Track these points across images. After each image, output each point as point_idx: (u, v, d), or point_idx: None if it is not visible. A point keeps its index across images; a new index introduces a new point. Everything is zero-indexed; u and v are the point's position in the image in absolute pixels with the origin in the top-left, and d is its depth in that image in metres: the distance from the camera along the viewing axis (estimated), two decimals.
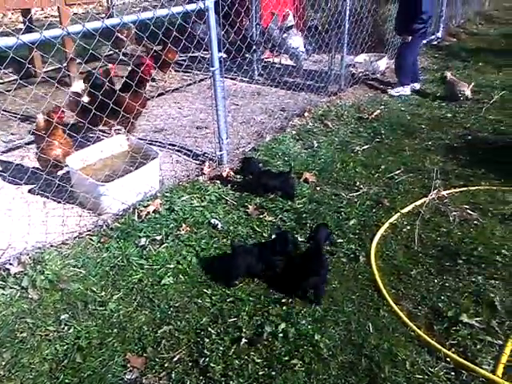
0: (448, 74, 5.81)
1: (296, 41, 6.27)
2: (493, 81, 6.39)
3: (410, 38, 5.62)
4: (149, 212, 3.44)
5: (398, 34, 6.09)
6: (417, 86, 6.02)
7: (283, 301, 2.71)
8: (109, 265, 3.01)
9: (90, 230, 3.34)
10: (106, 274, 2.94)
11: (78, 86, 4.57)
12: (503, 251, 3.08)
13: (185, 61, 6.07)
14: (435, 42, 8.12)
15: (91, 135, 4.29)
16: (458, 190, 3.79)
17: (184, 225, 3.34)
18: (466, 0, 9.58)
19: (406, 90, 5.86)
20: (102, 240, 3.22)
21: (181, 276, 2.93)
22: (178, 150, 4.40)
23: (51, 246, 3.15)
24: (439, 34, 8.30)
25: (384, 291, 2.77)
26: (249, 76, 6.38)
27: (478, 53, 7.65)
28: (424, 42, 7.71)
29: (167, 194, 3.65)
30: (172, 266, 3.00)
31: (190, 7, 3.70)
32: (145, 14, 3.41)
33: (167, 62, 5.73)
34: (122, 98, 3.84)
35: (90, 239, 3.23)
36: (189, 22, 4.65)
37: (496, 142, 4.60)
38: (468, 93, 5.62)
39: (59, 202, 3.60)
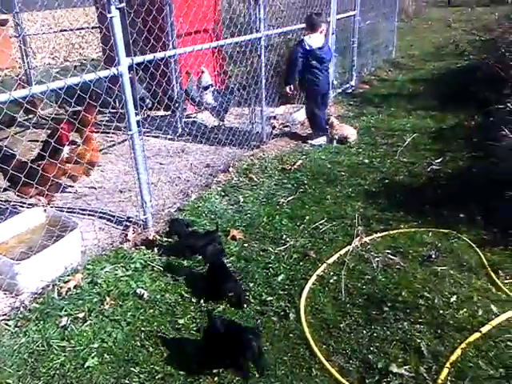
0: (332, 119, 6.19)
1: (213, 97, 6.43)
2: (404, 124, 6.79)
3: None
4: (70, 288, 3.26)
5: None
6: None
7: (214, 371, 2.62)
8: (27, 351, 2.80)
9: (5, 314, 3.11)
10: (23, 362, 2.73)
11: None
12: (425, 294, 3.18)
13: (103, 121, 6.02)
14: (350, 90, 8.56)
15: (5, 207, 4.09)
16: (379, 234, 3.92)
17: (108, 298, 3.19)
18: (374, 49, 10.27)
19: (323, 139, 6.09)
20: (19, 324, 3.00)
21: (106, 355, 2.77)
22: (100, 217, 4.27)
23: None
24: (353, 83, 8.79)
25: (315, 348, 2.76)
26: (172, 133, 6.40)
27: (389, 98, 8.14)
28: (339, 90, 8.19)
29: (89, 266, 3.50)
30: (96, 345, 2.84)
31: (104, 73, 3.68)
32: (55, 84, 3.35)
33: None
34: (34, 170, 3.70)
35: (6, 324, 3.01)
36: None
37: (411, 185, 4.85)
38: (352, 138, 6.07)
39: None
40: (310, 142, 6.11)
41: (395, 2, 11.77)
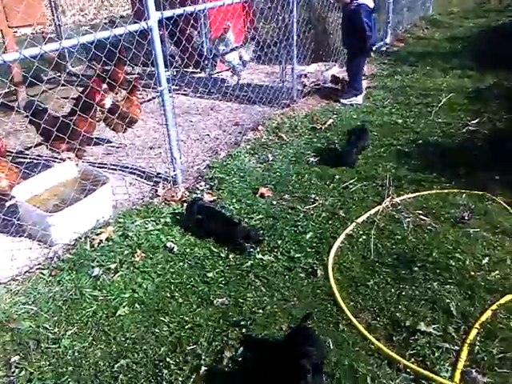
0: None
1: (232, 54, 6.35)
2: (440, 84, 6.55)
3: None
4: (101, 240, 3.34)
5: (347, 48, 6.16)
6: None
7: (242, 323, 2.67)
8: (61, 299, 2.90)
9: (40, 264, 3.21)
10: (58, 309, 2.83)
11: None
12: (456, 255, 3.13)
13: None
14: (384, 48, 8.28)
15: (39, 162, 4.16)
16: (410, 195, 3.85)
17: (139, 251, 3.26)
18: (411, 6, 9.85)
19: (358, 99, 5.94)
20: (53, 273, 3.10)
21: (137, 305, 2.85)
22: (131, 172, 4.32)
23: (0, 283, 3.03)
24: (387, 40, 8.49)
25: (342, 305, 2.77)
26: (202, 91, 6.35)
27: (425, 57, 7.84)
28: (373, 48, 7.92)
29: (120, 220, 3.57)
30: (127, 295, 2.92)
31: (133, 28, 3.64)
32: (85, 38, 3.32)
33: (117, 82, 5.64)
34: (66, 125, 3.74)
35: (41, 273, 3.11)
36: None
37: (445, 146, 4.71)
38: None
39: (7, 236, 3.46)
40: (342, 101, 5.95)
41: None
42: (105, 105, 4.47)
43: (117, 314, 2.78)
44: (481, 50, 7.95)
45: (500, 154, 4.36)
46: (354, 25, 5.56)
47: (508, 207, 3.62)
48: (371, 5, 5.56)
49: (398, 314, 2.70)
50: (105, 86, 4.83)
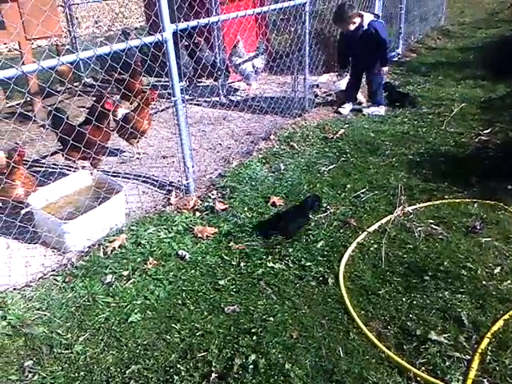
0: None
1: (245, 64, 6.45)
2: (452, 94, 6.56)
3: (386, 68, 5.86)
4: (114, 247, 3.39)
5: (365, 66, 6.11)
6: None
7: (253, 330, 2.68)
8: (74, 305, 2.94)
9: (54, 270, 3.26)
10: (71, 315, 2.87)
11: None
12: (468, 264, 3.12)
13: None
14: (396, 59, 8.30)
15: (54, 171, 4.24)
16: (422, 204, 3.85)
17: (151, 258, 3.30)
18: (423, 16, 9.88)
19: (381, 111, 5.96)
20: (66, 279, 3.15)
21: (148, 312, 2.88)
22: (144, 181, 4.38)
23: (14, 289, 3.07)
24: (399, 51, 8.52)
25: (353, 313, 2.77)
26: (214, 101, 6.43)
27: (437, 67, 7.86)
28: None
29: (133, 228, 3.61)
30: (139, 302, 2.95)
31: (148, 39, 3.71)
32: (102, 49, 3.39)
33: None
34: (82, 133, 3.81)
35: (55, 279, 3.16)
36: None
37: (457, 155, 4.70)
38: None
39: (22, 243, 3.53)
40: (366, 111, 5.98)
41: None
42: (117, 115, 4.55)
43: (129, 321, 2.81)
44: (493, 60, 7.92)
45: None
46: (371, 44, 5.57)
47: None
48: (379, 14, 5.62)
49: (408, 323, 2.69)
50: (117, 96, 4.91)
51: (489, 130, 5.18)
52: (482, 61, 8.03)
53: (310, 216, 3.73)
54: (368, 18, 5.56)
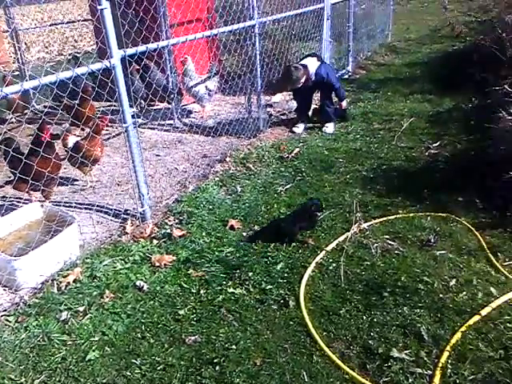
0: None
1: (198, 87, 6.45)
2: (402, 109, 6.75)
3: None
4: (69, 282, 3.27)
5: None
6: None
7: (215, 360, 2.63)
8: (28, 346, 2.81)
9: (5, 310, 3.11)
10: (25, 357, 2.74)
11: None
12: (425, 278, 3.18)
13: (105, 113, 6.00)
14: (346, 76, 8.50)
15: (2, 204, 4.08)
16: (377, 220, 3.91)
17: (108, 291, 3.19)
18: (370, 34, 10.19)
19: (329, 126, 6.10)
20: (19, 319, 3.00)
21: (107, 348, 2.78)
22: (98, 210, 4.27)
23: None
24: (349, 68, 8.72)
25: (315, 335, 2.76)
26: (169, 125, 6.38)
27: (386, 83, 8.09)
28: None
29: (88, 260, 3.50)
30: (97, 338, 2.85)
31: (95, 67, 3.65)
32: (47, 78, 3.31)
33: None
34: (28, 165, 3.69)
35: (7, 320, 3.01)
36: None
37: (409, 169, 4.83)
38: None
39: None
40: (326, 131, 6.07)
41: None
42: (68, 144, 4.44)
43: (87, 359, 2.70)
44: (438, 74, 8.25)
45: (461, 176, 4.49)
46: (323, 87, 6.02)
47: (472, 228, 3.71)
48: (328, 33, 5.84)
49: (370, 342, 2.71)
50: (67, 124, 4.80)
51: (438, 144, 5.35)
52: (428, 76, 8.33)
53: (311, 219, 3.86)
54: (313, 66, 5.80)
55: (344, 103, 6.24)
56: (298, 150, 5.44)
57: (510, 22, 6.72)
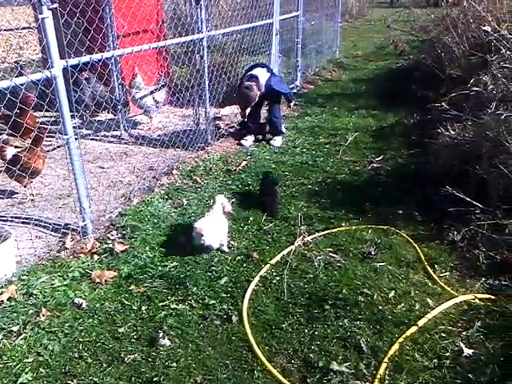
0: None
1: (145, 98, 6.43)
2: (347, 123, 6.93)
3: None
4: (3, 300, 3.12)
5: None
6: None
7: (155, 379, 2.57)
8: None
9: None
10: None
11: None
12: (365, 290, 3.25)
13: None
14: (294, 91, 8.63)
15: None
16: (320, 233, 3.98)
17: (44, 309, 3.07)
18: (319, 50, 10.44)
19: (277, 140, 6.19)
20: None
21: (41, 369, 2.67)
22: (37, 224, 4.11)
23: None
24: (297, 83, 8.89)
25: (257, 350, 2.76)
26: (115, 136, 6.26)
27: (333, 98, 8.30)
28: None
29: (24, 277, 3.36)
30: (31, 359, 2.73)
31: (36, 76, 3.54)
32: None
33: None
34: None
35: None
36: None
37: (352, 183, 4.95)
38: None
39: None
40: (274, 144, 6.14)
41: (339, 2, 12.02)
42: (6, 156, 4.27)
43: (18, 382, 2.58)
44: (383, 90, 8.55)
45: (402, 189, 4.65)
46: (272, 96, 6.11)
47: (410, 240, 3.83)
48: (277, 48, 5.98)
49: (311, 355, 2.73)
50: (4, 135, 4.62)
51: (380, 158, 5.52)
52: (373, 91, 8.62)
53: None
54: (263, 78, 5.88)
55: (292, 104, 6.84)
56: (245, 162, 5.46)
57: (447, 43, 7.05)
